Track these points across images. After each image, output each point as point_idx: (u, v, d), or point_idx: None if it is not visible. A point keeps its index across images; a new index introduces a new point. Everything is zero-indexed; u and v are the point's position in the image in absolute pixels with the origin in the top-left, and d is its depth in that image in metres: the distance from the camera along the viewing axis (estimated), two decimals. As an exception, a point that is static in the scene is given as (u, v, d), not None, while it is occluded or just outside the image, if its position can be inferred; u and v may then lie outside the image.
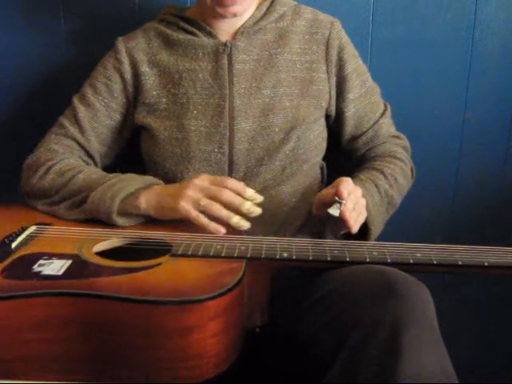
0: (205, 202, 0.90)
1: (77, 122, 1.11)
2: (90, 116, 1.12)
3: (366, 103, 1.16)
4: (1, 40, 1.30)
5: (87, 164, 1.12)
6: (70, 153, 1.11)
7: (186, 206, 0.91)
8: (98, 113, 1.12)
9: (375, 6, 1.31)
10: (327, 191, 0.95)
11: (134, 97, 1.13)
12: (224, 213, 0.89)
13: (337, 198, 0.90)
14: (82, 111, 1.12)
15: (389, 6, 1.31)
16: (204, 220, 0.90)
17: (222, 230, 0.90)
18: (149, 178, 1.01)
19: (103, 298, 0.76)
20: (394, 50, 1.34)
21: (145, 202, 0.96)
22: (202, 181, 0.92)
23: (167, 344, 0.76)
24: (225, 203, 0.89)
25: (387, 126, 1.19)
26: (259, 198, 0.92)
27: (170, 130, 1.08)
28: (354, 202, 0.92)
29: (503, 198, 1.46)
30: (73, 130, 1.11)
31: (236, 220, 0.90)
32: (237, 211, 0.91)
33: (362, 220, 0.96)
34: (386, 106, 1.21)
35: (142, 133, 1.13)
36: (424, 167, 1.40)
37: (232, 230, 0.91)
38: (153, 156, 1.10)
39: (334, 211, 0.90)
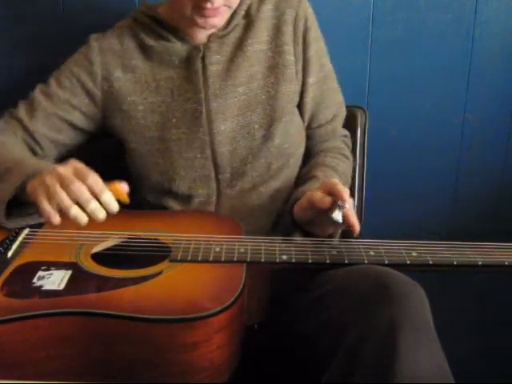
0: (53, 189, 0.84)
1: (31, 106, 1.09)
2: (45, 104, 1.09)
3: (325, 89, 1.13)
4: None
5: (30, 146, 1.09)
6: (11, 132, 1.08)
7: (38, 191, 0.86)
8: (55, 104, 1.09)
9: (375, 6, 1.31)
10: (321, 198, 0.90)
11: (104, 101, 1.10)
12: (65, 204, 0.82)
13: (339, 203, 0.87)
14: (39, 99, 1.09)
15: (389, 5, 1.31)
16: (45, 206, 0.84)
17: (55, 221, 0.84)
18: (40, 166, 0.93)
19: (107, 317, 0.76)
20: (394, 50, 1.34)
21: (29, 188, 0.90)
22: (66, 169, 0.86)
23: (174, 359, 0.76)
24: (71, 197, 0.83)
25: (341, 121, 1.18)
26: (114, 209, 0.84)
27: (150, 143, 1.07)
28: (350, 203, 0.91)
29: (503, 198, 1.46)
30: (23, 112, 1.09)
31: (74, 212, 0.83)
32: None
33: None
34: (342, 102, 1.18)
35: (124, 145, 1.11)
36: (424, 167, 1.40)
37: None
38: (137, 168, 1.09)
39: (337, 216, 0.87)
